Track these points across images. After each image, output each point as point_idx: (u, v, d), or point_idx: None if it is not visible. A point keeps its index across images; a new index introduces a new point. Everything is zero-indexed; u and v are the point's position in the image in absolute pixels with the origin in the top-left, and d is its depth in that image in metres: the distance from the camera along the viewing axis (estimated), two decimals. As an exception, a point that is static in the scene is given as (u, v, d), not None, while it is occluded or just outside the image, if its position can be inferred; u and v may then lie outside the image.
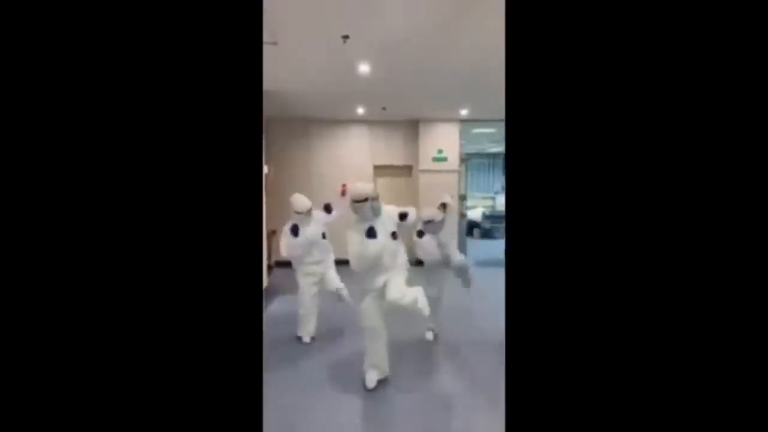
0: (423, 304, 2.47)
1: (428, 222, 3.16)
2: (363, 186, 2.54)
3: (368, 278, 2.59)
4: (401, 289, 2.50)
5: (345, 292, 3.59)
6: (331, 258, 3.60)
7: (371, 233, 2.47)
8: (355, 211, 2.52)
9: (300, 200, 3.36)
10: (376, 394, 2.58)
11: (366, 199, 2.47)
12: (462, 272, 3.48)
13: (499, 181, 12.18)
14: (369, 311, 2.61)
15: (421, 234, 3.23)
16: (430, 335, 3.49)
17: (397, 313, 2.62)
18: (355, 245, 2.48)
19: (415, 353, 3.21)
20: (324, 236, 3.45)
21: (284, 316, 3.97)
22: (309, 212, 3.35)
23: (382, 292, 2.56)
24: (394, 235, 2.58)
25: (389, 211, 2.64)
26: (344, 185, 6.69)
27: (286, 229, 3.39)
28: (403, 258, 2.69)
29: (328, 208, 3.51)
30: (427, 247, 3.22)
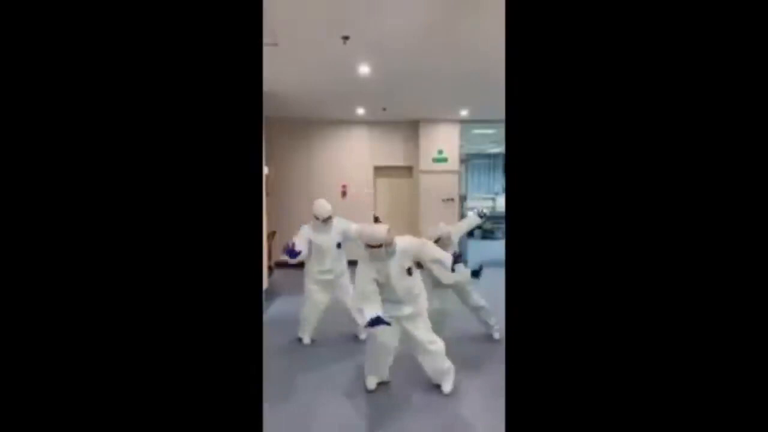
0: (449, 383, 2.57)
1: (437, 240, 3.07)
2: (377, 230, 2.34)
3: (388, 306, 2.44)
4: (431, 334, 2.52)
5: (360, 317, 3.37)
6: (345, 270, 3.42)
7: (376, 322, 2.23)
8: (368, 252, 2.37)
9: (320, 206, 3.24)
10: (376, 395, 2.58)
11: (380, 246, 2.31)
12: (482, 313, 3.44)
13: (499, 182, 12.18)
14: (386, 332, 2.44)
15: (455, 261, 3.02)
16: (497, 334, 3.50)
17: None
18: (360, 287, 2.38)
19: (414, 354, 3.20)
20: (339, 246, 3.31)
21: (284, 318, 3.97)
22: (328, 220, 3.24)
23: (401, 318, 2.48)
24: (409, 271, 2.44)
25: (405, 246, 2.44)
26: (344, 186, 6.71)
27: (304, 230, 3.29)
28: (423, 295, 2.57)
29: (377, 221, 3.31)
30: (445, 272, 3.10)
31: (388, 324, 2.27)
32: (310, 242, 3.28)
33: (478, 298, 3.41)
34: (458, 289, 3.36)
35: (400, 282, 2.43)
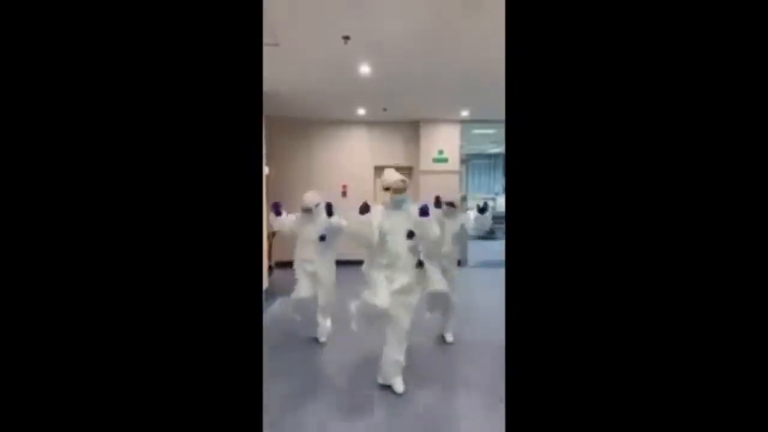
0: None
1: (450, 204, 3.36)
2: (394, 174, 2.66)
3: (379, 278, 2.57)
4: (408, 322, 2.61)
5: (322, 311, 3.50)
6: (330, 261, 3.46)
7: (365, 209, 2.57)
8: (398, 191, 2.63)
9: (307, 196, 3.36)
10: (376, 398, 2.58)
11: (404, 189, 2.61)
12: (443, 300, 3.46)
13: (499, 182, 12.18)
14: (395, 306, 2.55)
15: (482, 210, 3.39)
16: (450, 337, 3.50)
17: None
18: (382, 291, 2.52)
19: (415, 354, 3.21)
20: (323, 238, 3.34)
21: (284, 318, 3.97)
22: (310, 210, 3.32)
23: (404, 290, 2.58)
24: (410, 235, 2.56)
25: (408, 210, 2.65)
26: (345, 186, 6.71)
27: (292, 217, 3.49)
28: (413, 271, 2.68)
29: (365, 209, 3.32)
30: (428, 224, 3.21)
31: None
32: (292, 230, 3.44)
33: (453, 287, 3.42)
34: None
35: (403, 241, 2.58)
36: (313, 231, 3.34)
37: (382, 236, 2.57)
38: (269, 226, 3.57)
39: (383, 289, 2.51)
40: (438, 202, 3.28)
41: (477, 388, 2.69)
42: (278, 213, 3.46)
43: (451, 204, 3.37)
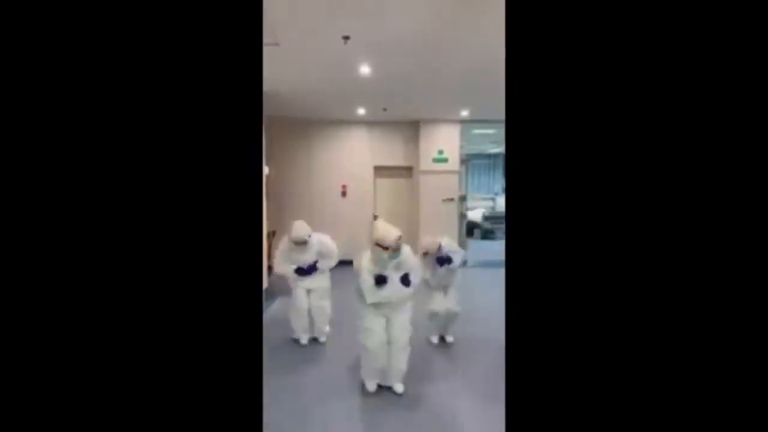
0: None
1: (425, 253, 3.30)
2: (392, 234, 2.43)
3: (372, 308, 2.57)
4: (406, 330, 2.61)
5: (325, 321, 3.54)
6: (327, 285, 3.52)
7: (381, 280, 2.46)
8: (373, 250, 2.47)
9: (298, 228, 3.27)
10: (376, 398, 2.58)
11: (387, 248, 2.41)
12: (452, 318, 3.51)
13: (499, 182, 12.19)
14: (373, 331, 2.55)
15: (441, 262, 3.28)
16: (450, 338, 3.53)
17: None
18: (367, 284, 2.48)
19: (414, 354, 3.20)
20: (312, 269, 3.37)
21: (284, 318, 3.96)
22: (305, 243, 3.28)
23: (387, 314, 2.57)
24: (405, 280, 2.52)
25: (407, 255, 2.56)
26: (345, 186, 6.72)
27: (284, 244, 3.36)
28: (409, 303, 2.67)
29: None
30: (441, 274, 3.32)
31: (384, 281, 2.45)
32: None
33: (455, 303, 3.45)
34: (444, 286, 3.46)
35: (395, 283, 2.51)
36: (306, 260, 3.35)
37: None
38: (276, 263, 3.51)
39: (379, 334, 2.55)
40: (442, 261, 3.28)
41: (477, 388, 2.69)
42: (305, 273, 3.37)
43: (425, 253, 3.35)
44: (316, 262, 3.37)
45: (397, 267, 2.52)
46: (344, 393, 2.62)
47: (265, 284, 4.72)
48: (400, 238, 2.44)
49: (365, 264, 2.50)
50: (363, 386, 2.65)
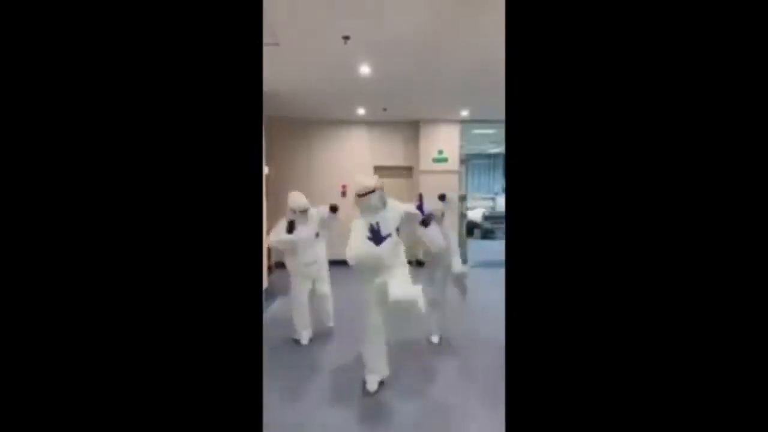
0: (422, 304, 2.41)
1: (429, 214, 3.16)
2: (366, 178, 2.50)
3: (368, 276, 2.55)
4: (405, 287, 2.45)
5: (329, 304, 3.59)
6: (324, 259, 3.53)
7: (378, 237, 2.42)
8: (360, 205, 2.48)
9: (297, 198, 3.31)
10: (376, 397, 2.58)
11: (373, 191, 2.43)
12: (460, 281, 3.50)
13: (499, 182, 12.19)
14: (369, 310, 2.58)
15: (425, 223, 3.06)
16: (435, 338, 3.47)
17: (397, 313, 2.56)
18: (358, 243, 2.42)
19: (415, 354, 3.21)
20: (317, 236, 3.40)
21: (284, 317, 3.96)
22: (305, 211, 3.31)
23: (382, 290, 2.48)
24: (397, 231, 2.53)
25: (394, 206, 2.57)
26: (344, 186, 6.72)
27: (282, 222, 3.34)
28: (403, 255, 2.65)
29: (334, 209, 3.40)
30: (433, 234, 3.11)
31: (389, 235, 2.42)
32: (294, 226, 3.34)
33: (443, 293, 3.41)
34: (443, 255, 3.33)
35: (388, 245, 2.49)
36: (309, 231, 3.34)
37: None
38: (268, 240, 3.49)
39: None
40: (421, 207, 3.15)
41: (477, 387, 2.69)
42: (291, 231, 3.29)
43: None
44: (317, 235, 3.39)
45: (386, 221, 2.49)
46: (344, 393, 2.62)
47: (265, 284, 4.72)
48: (378, 180, 2.46)
49: (354, 226, 2.49)
50: (364, 386, 2.65)
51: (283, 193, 6.27)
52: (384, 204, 2.51)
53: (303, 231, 3.31)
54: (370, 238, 2.44)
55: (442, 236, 3.11)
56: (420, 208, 3.04)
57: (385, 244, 2.45)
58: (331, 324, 3.64)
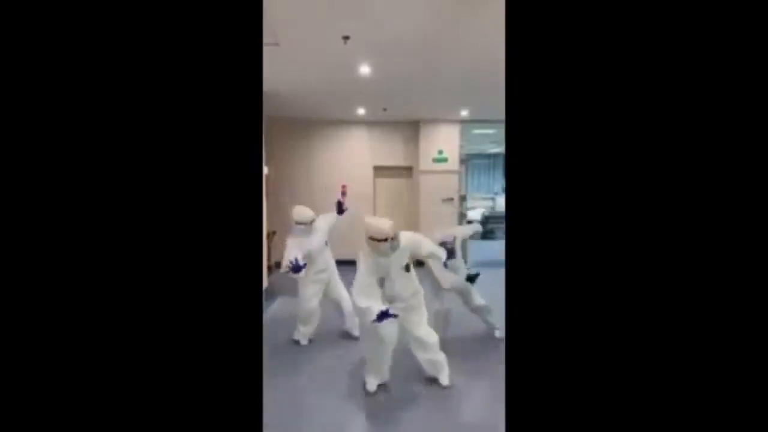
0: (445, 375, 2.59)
1: (442, 243, 3.12)
2: (382, 224, 2.38)
3: (385, 302, 2.48)
4: (427, 328, 2.55)
5: (347, 304, 3.47)
6: (334, 264, 3.53)
7: (383, 316, 2.29)
8: (370, 246, 2.40)
9: (302, 211, 3.30)
10: (376, 398, 2.58)
11: (386, 239, 2.34)
12: (484, 312, 3.49)
13: (499, 182, 12.18)
14: (387, 327, 2.46)
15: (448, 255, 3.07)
16: (498, 333, 3.52)
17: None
18: (361, 282, 2.40)
19: (414, 355, 3.20)
20: (326, 244, 3.41)
21: (284, 317, 3.97)
22: (311, 223, 3.31)
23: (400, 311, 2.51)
24: (407, 268, 2.49)
25: (406, 241, 2.48)
26: (344, 186, 6.71)
27: (291, 243, 3.28)
28: (421, 292, 2.62)
29: (340, 206, 3.41)
30: (446, 275, 3.24)
31: (395, 317, 2.32)
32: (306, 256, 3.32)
33: (478, 298, 3.43)
34: (459, 290, 3.38)
35: (399, 278, 2.47)
36: (318, 240, 3.34)
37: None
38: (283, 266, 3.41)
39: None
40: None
41: (477, 387, 2.69)
42: (300, 269, 3.20)
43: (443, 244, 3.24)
44: (326, 242, 3.39)
45: (396, 261, 2.46)
46: (344, 393, 2.62)
47: (265, 284, 4.72)
48: (392, 226, 2.39)
49: (361, 261, 2.44)
50: (363, 386, 2.65)
51: (283, 194, 6.31)
52: (395, 249, 2.42)
53: (313, 241, 3.32)
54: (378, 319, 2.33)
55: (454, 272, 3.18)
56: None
57: (393, 276, 2.45)
58: (357, 333, 3.49)
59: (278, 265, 5.83)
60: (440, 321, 3.40)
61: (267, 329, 3.59)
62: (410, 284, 2.55)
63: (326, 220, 3.44)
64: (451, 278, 3.23)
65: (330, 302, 3.55)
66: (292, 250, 3.23)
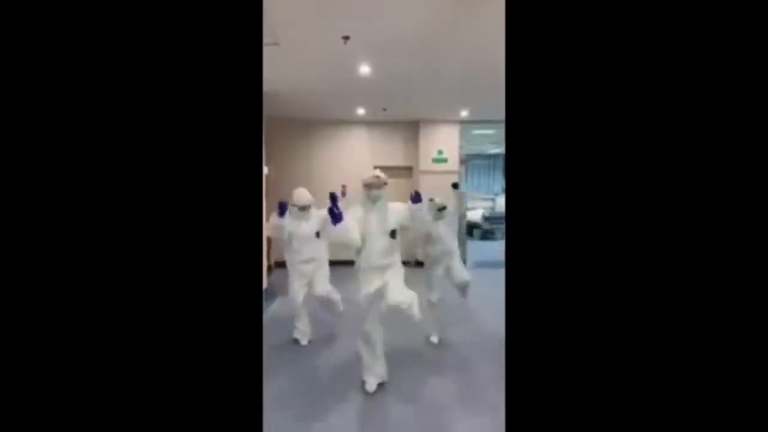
0: (417, 310, 2.47)
1: (442, 209, 3.29)
2: (382, 174, 2.59)
3: (364, 280, 2.54)
4: (402, 291, 2.49)
5: (335, 296, 3.48)
6: (324, 259, 3.47)
7: (335, 217, 2.41)
8: (366, 192, 2.57)
9: (300, 194, 3.31)
10: (376, 398, 2.58)
11: (385, 184, 2.54)
12: (462, 288, 3.53)
13: (498, 183, 12.18)
14: (366, 314, 2.57)
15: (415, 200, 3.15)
16: (435, 338, 3.47)
17: (395, 316, 2.58)
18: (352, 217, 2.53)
19: (414, 355, 3.21)
20: (318, 235, 3.36)
21: (284, 317, 3.96)
22: (307, 208, 3.30)
23: (378, 294, 2.52)
24: (392, 234, 2.53)
25: (396, 208, 2.59)
26: (344, 186, 6.71)
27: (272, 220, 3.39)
28: (398, 256, 2.64)
29: (334, 198, 3.42)
30: (444, 231, 3.31)
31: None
32: (288, 232, 3.33)
33: (439, 294, 3.42)
34: (445, 252, 3.38)
35: (381, 238, 2.51)
36: (308, 228, 3.32)
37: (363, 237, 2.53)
38: (268, 229, 3.50)
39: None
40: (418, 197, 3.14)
41: (477, 388, 2.69)
42: (282, 213, 3.36)
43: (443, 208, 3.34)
44: (318, 233, 3.36)
45: (382, 220, 2.52)
46: (344, 393, 2.62)
47: (265, 284, 4.72)
48: (378, 177, 2.53)
49: (356, 208, 2.60)
50: (363, 386, 2.65)
51: (283, 194, 6.29)
52: (380, 199, 2.56)
53: (303, 227, 3.30)
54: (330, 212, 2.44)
55: (452, 232, 3.25)
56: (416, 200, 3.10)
57: (376, 231, 2.50)
58: (335, 296, 3.50)
59: (278, 265, 5.85)
60: (433, 310, 3.40)
61: (267, 329, 3.59)
62: (390, 248, 2.57)
63: (321, 214, 3.34)
64: (462, 276, 3.34)
65: (317, 300, 3.49)
66: (273, 220, 3.36)
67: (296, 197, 3.29)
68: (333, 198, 2.50)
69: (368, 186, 2.54)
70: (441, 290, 3.43)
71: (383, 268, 2.53)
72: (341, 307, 3.57)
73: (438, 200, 3.32)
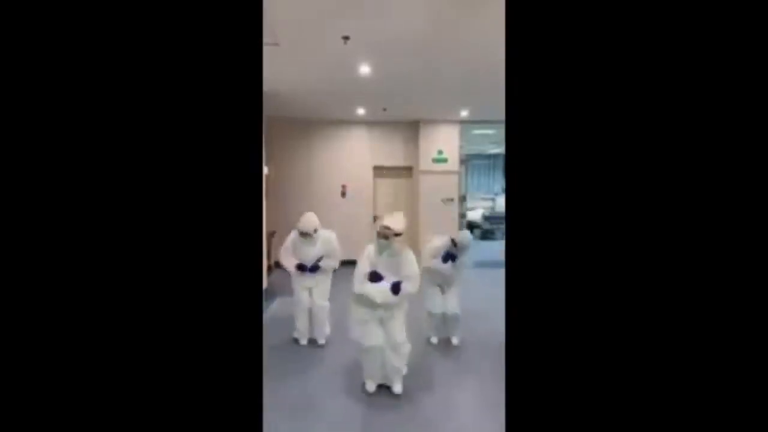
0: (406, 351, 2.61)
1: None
2: (400, 219, 2.56)
3: (362, 325, 2.60)
4: (403, 335, 2.59)
5: (324, 315, 3.46)
6: (327, 274, 3.48)
7: (374, 277, 2.50)
8: (379, 241, 2.54)
9: (308, 220, 3.25)
10: (376, 398, 2.58)
11: (397, 234, 2.50)
12: (452, 322, 3.50)
13: (499, 183, 12.18)
14: (370, 332, 2.58)
15: (446, 259, 3.24)
16: (435, 339, 3.50)
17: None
18: (359, 273, 2.54)
19: (414, 355, 3.20)
20: (315, 269, 3.36)
21: (284, 317, 3.96)
22: (313, 233, 3.25)
23: (381, 315, 2.57)
24: (395, 287, 2.51)
25: (410, 260, 2.58)
26: (344, 186, 6.71)
27: (289, 243, 3.36)
28: (404, 302, 2.65)
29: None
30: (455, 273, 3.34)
31: (399, 283, 2.49)
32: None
33: (455, 305, 3.42)
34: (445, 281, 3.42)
35: (382, 283, 2.53)
36: (314, 252, 3.32)
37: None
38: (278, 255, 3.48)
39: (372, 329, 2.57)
40: (448, 257, 3.23)
41: (477, 388, 2.69)
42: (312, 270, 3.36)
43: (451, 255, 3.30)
44: (319, 260, 3.35)
45: (393, 267, 2.53)
46: (344, 393, 2.62)
47: (265, 284, 4.72)
48: (388, 228, 2.49)
49: (365, 254, 2.60)
50: (363, 386, 2.65)
51: (283, 194, 6.32)
52: (397, 252, 2.53)
53: (308, 252, 3.31)
54: (371, 276, 2.50)
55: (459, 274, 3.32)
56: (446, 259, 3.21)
57: (384, 284, 2.51)
58: (322, 342, 3.46)
59: (278, 265, 5.85)
60: (435, 322, 3.42)
61: (267, 329, 3.59)
62: (387, 298, 2.55)
63: (327, 236, 3.37)
64: (449, 276, 3.36)
65: (311, 312, 3.48)
66: (286, 258, 3.37)
67: (303, 223, 3.24)
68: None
69: (378, 235, 2.55)
70: (454, 300, 3.42)
71: (384, 318, 2.58)
72: (328, 331, 3.52)
73: (458, 239, 3.26)
